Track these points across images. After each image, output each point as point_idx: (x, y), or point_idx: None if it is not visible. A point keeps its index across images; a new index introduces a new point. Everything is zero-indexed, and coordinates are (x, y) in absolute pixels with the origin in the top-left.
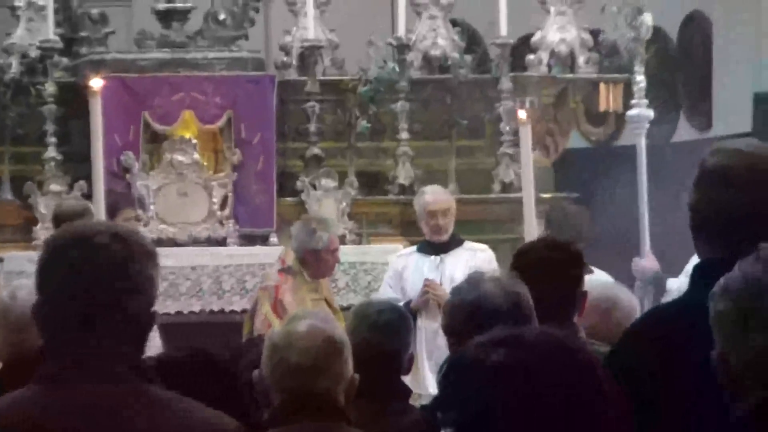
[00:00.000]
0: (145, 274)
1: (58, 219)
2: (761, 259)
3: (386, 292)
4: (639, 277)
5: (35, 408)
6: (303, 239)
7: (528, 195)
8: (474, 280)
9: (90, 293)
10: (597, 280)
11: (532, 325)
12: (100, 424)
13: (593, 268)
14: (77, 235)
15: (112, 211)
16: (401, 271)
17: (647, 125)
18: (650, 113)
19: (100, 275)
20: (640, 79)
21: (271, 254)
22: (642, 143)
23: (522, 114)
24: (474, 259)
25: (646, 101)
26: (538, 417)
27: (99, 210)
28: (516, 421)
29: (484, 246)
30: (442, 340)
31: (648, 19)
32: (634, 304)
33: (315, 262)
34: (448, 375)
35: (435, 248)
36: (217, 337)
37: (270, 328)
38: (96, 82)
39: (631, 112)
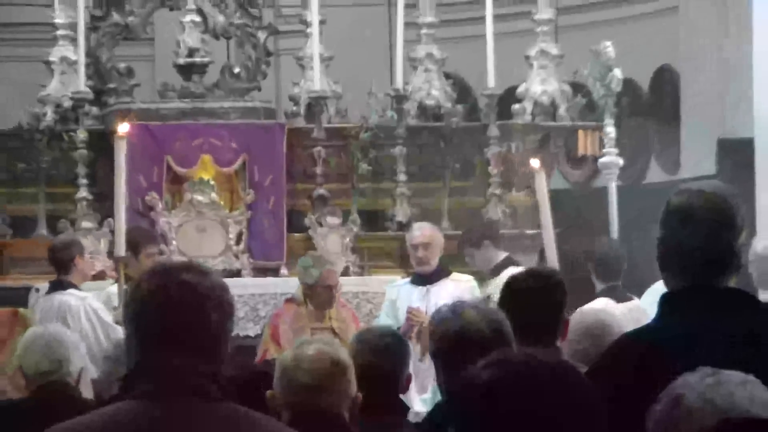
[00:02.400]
0: (224, 299)
1: (53, 249)
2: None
3: (382, 319)
4: None
5: (132, 421)
6: (300, 274)
7: (548, 233)
8: (457, 308)
9: (173, 317)
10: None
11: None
12: None
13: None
14: (161, 268)
15: (137, 246)
16: (395, 300)
17: (617, 171)
18: (620, 161)
19: (183, 301)
20: (611, 129)
21: (281, 285)
22: (613, 188)
23: (535, 163)
24: (457, 289)
25: (616, 150)
26: (528, 428)
27: (120, 242)
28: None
29: (469, 277)
30: (424, 362)
31: (618, 73)
32: (624, 331)
33: (311, 295)
34: (448, 399)
35: (423, 279)
36: (231, 358)
37: (265, 351)
38: (122, 127)
39: (602, 160)
